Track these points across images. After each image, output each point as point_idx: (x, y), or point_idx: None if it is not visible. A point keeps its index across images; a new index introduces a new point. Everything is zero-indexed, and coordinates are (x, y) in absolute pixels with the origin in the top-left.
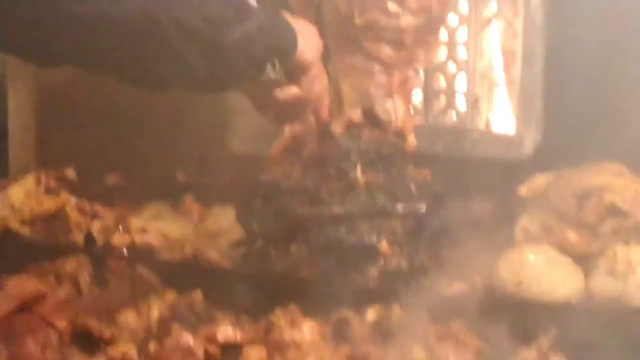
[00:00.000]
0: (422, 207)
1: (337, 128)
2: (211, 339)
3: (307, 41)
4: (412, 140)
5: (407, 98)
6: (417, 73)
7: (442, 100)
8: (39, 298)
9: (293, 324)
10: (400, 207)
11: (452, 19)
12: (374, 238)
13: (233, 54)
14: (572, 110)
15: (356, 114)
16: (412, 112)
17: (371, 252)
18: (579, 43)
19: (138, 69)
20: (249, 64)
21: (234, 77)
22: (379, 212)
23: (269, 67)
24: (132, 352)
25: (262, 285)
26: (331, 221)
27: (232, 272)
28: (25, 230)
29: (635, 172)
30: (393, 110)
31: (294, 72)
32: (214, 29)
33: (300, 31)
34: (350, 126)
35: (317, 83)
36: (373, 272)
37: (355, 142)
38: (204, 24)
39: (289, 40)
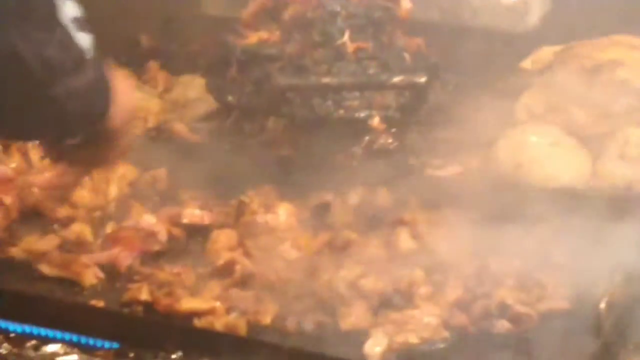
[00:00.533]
0: (422, 79)
1: None
2: (175, 221)
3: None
4: (405, 4)
5: None
6: None
7: None
8: None
9: (267, 206)
10: (397, 79)
11: None
12: (364, 113)
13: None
14: None
15: None
16: None
17: (360, 129)
18: None
19: None
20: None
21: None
22: (371, 83)
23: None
24: (87, 233)
25: (234, 164)
26: (317, 93)
27: (201, 147)
28: None
29: None
30: None
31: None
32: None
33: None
34: None
35: None
36: (359, 150)
37: (343, 5)
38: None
39: (105, 106)
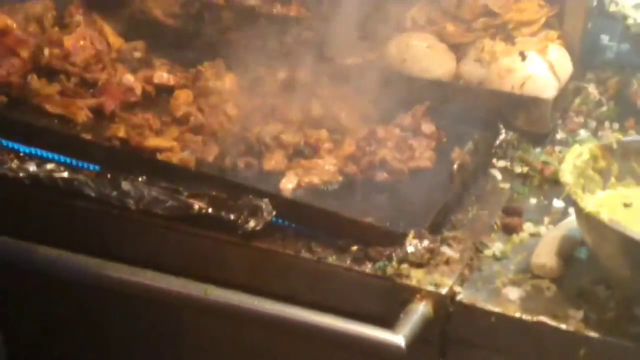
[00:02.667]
0: None
1: None
2: (148, 80)
3: None
4: None
5: None
6: None
7: None
8: (6, 31)
9: (217, 75)
10: None
11: None
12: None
13: None
14: None
15: None
16: None
17: (290, 23)
18: None
19: None
20: None
21: None
22: None
23: None
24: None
25: (196, 42)
26: None
27: (173, 27)
28: None
29: None
30: None
31: None
32: None
33: None
34: None
35: None
36: (288, 39)
37: None
38: None
39: None
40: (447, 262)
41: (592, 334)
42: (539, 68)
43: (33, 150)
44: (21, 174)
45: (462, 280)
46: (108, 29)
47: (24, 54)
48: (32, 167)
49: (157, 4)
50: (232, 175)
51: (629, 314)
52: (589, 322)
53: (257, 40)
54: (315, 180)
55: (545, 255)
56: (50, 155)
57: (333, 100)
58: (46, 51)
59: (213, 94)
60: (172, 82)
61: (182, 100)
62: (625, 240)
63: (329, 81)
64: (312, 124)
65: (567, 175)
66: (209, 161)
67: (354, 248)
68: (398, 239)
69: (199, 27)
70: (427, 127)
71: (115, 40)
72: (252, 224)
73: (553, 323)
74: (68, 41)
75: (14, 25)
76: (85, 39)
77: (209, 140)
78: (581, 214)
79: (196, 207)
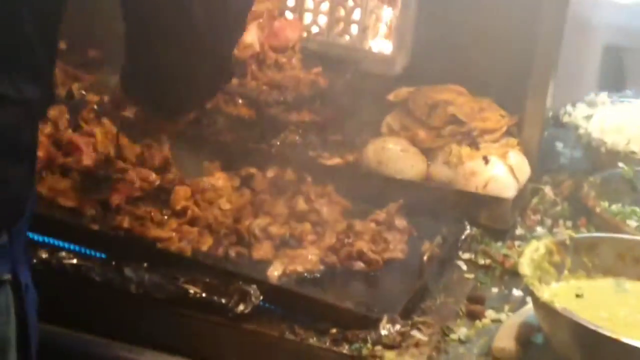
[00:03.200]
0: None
1: None
2: (147, 178)
3: None
4: None
5: None
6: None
7: (341, 25)
8: None
9: (212, 174)
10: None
11: None
12: (283, 117)
13: None
14: (434, 43)
15: None
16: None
17: (279, 128)
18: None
19: None
20: None
21: None
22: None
23: None
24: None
25: (193, 145)
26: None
27: (173, 131)
28: None
29: (472, 93)
30: None
31: None
32: None
33: None
34: None
35: None
36: (277, 142)
37: None
38: None
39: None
40: (417, 345)
41: None
42: (500, 171)
43: (46, 238)
44: (34, 261)
45: None
46: (115, 131)
47: (40, 153)
48: (44, 255)
49: None
50: (224, 263)
51: None
52: None
53: (248, 142)
54: (299, 268)
55: (505, 340)
56: (60, 243)
57: (316, 197)
58: (59, 154)
59: (208, 190)
60: (172, 179)
61: (181, 195)
62: (576, 327)
63: (313, 179)
64: (297, 218)
65: (525, 267)
66: (204, 250)
67: (333, 330)
68: (373, 323)
69: (196, 131)
70: (400, 223)
71: (122, 141)
72: (241, 307)
73: None
74: (81, 145)
75: None
76: (96, 141)
77: (204, 232)
78: (537, 302)
79: (191, 291)
